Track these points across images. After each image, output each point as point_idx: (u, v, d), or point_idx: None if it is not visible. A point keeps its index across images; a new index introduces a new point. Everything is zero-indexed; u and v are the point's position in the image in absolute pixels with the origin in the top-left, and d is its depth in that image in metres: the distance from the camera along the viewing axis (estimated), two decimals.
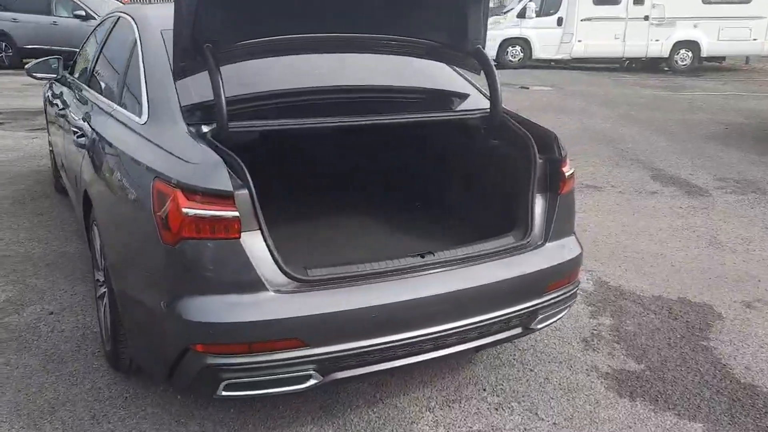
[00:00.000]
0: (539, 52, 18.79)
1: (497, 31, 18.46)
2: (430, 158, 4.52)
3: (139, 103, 3.47)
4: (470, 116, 3.80)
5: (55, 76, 5.43)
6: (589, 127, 10.75)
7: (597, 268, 5.26)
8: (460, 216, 4.16)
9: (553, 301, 3.46)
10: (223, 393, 2.85)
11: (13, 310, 4.24)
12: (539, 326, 3.48)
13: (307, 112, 3.50)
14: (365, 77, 3.99)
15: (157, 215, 2.80)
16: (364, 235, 3.85)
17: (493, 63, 3.76)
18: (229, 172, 2.77)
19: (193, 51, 3.07)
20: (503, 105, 3.85)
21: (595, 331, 4.34)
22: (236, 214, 2.74)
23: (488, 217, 3.89)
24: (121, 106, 3.74)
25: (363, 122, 3.43)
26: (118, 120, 3.62)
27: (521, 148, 3.59)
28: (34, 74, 5.46)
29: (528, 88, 15.50)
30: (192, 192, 2.74)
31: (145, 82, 3.51)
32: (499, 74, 3.72)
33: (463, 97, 4.07)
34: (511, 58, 18.88)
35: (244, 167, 2.85)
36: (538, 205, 3.49)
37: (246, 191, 2.80)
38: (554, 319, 3.59)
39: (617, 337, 4.27)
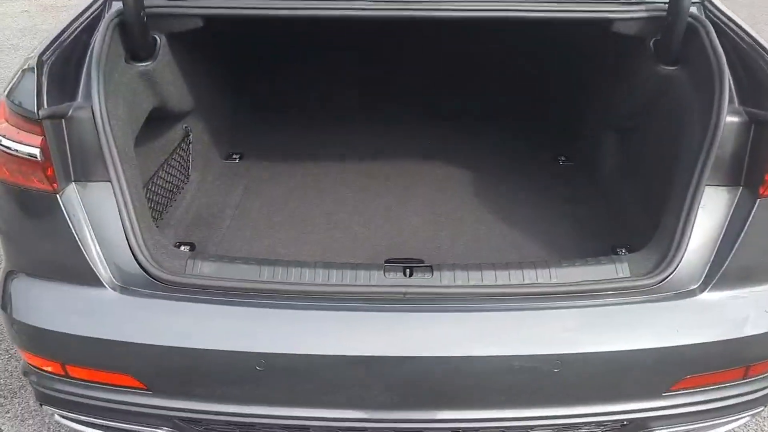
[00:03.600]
0: None
1: None
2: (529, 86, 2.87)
3: None
4: (623, 15, 1.99)
5: None
6: None
7: None
8: (545, 200, 2.45)
9: (690, 410, 1.71)
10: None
11: None
12: None
13: None
14: None
15: None
16: (353, 213, 2.39)
17: None
18: (49, 84, 1.63)
19: None
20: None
21: None
22: (35, 151, 1.59)
23: (594, 214, 2.29)
24: None
25: (411, 13, 1.93)
26: None
27: (701, 88, 1.77)
28: None
29: None
30: (10, 107, 1.67)
31: None
32: None
33: None
34: None
35: (99, 76, 1.68)
36: (709, 209, 1.68)
37: (83, 115, 1.64)
38: None
39: None
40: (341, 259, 2.03)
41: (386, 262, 1.86)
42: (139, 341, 1.61)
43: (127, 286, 1.65)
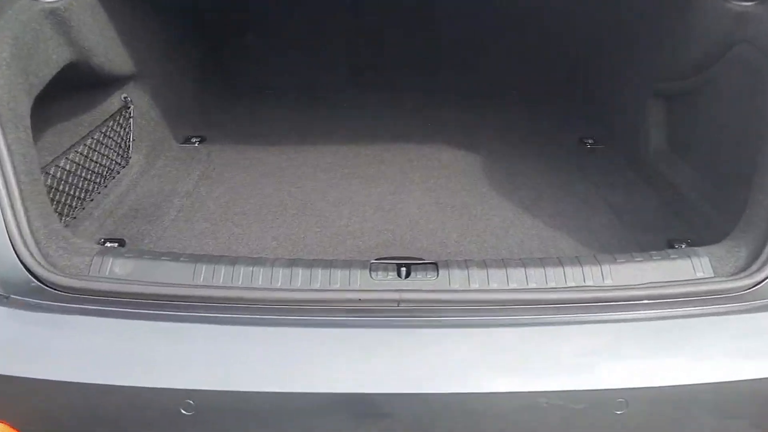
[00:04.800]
0: None
1: None
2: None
3: None
4: None
5: None
6: None
7: None
8: (572, 188, 1.98)
9: None
10: None
11: None
12: None
13: None
14: None
15: None
16: (337, 202, 1.90)
17: None
18: None
19: None
20: None
21: None
22: None
23: (637, 202, 1.86)
24: None
25: None
26: None
27: None
28: None
29: None
30: None
31: None
32: None
33: None
34: None
35: None
36: None
37: None
38: None
39: None
40: (317, 257, 1.55)
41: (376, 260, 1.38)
42: (15, 373, 1.12)
43: (5, 293, 1.17)
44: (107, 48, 1.71)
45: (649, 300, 1.17)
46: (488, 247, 1.61)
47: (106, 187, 1.80)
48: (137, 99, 1.99)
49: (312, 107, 2.57)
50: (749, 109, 1.45)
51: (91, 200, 1.71)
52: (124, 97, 1.93)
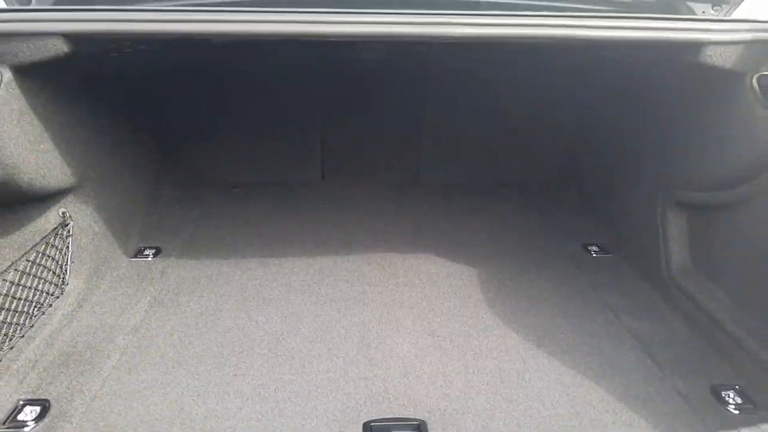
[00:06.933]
0: None
1: None
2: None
3: None
4: (715, 37, 1.33)
5: None
6: None
7: None
8: (586, 311, 1.74)
9: None
10: None
11: None
12: None
13: None
14: None
15: None
16: (312, 338, 1.60)
17: None
18: None
19: None
20: None
21: None
22: None
23: (663, 331, 1.61)
24: None
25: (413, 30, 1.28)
26: None
27: None
28: None
29: None
30: None
31: None
32: None
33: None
34: None
35: None
36: None
37: None
38: None
39: None
40: (289, 424, 1.24)
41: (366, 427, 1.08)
42: None
43: None
44: (39, 163, 1.43)
45: None
46: (501, 400, 1.33)
47: (32, 327, 1.48)
48: (78, 213, 1.70)
49: (282, 210, 2.31)
50: None
51: (11, 348, 1.39)
52: (62, 213, 1.64)
